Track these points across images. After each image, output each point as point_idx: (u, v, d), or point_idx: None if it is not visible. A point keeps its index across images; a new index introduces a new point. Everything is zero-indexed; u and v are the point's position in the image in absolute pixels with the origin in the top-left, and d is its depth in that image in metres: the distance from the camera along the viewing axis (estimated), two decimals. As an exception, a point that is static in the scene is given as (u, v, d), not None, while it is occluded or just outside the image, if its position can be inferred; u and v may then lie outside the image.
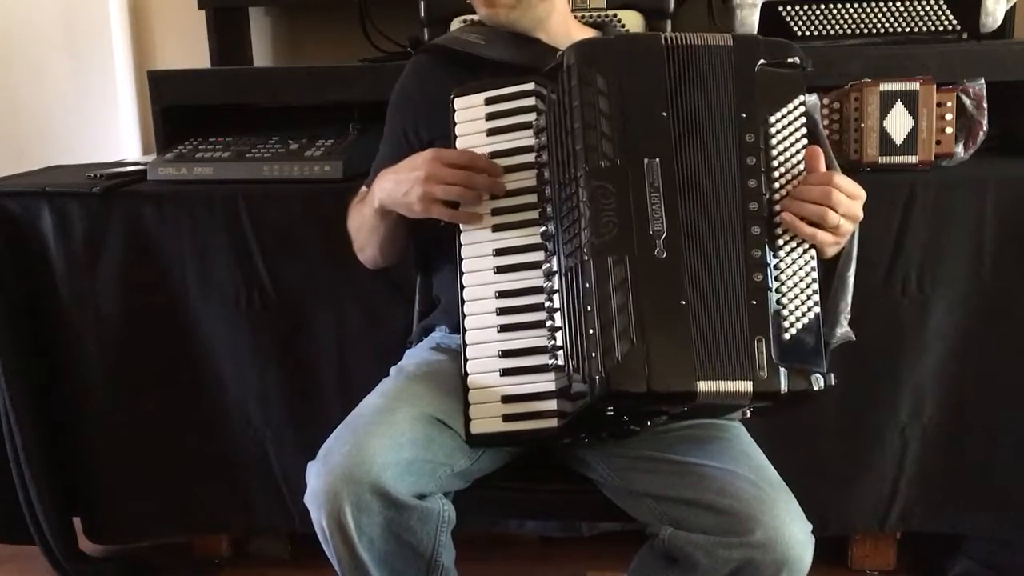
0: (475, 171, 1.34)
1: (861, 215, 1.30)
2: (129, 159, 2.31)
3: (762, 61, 1.30)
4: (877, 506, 1.92)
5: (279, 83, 2.09)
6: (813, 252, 1.28)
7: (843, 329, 1.38)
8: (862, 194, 1.29)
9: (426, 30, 1.99)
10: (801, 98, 1.31)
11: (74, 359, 1.98)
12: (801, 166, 1.29)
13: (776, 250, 1.26)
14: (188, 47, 2.42)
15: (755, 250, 1.25)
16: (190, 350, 1.96)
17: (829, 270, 1.35)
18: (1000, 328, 1.82)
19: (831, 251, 1.31)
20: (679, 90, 1.28)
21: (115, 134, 2.53)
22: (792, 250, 1.27)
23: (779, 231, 1.26)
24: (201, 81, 2.11)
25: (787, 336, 1.24)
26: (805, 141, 1.30)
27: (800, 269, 1.27)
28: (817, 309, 1.26)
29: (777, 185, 1.27)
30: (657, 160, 1.25)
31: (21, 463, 1.95)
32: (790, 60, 1.31)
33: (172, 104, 2.08)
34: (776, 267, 1.25)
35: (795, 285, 1.26)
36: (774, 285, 1.25)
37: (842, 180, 1.27)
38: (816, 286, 1.27)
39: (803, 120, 1.30)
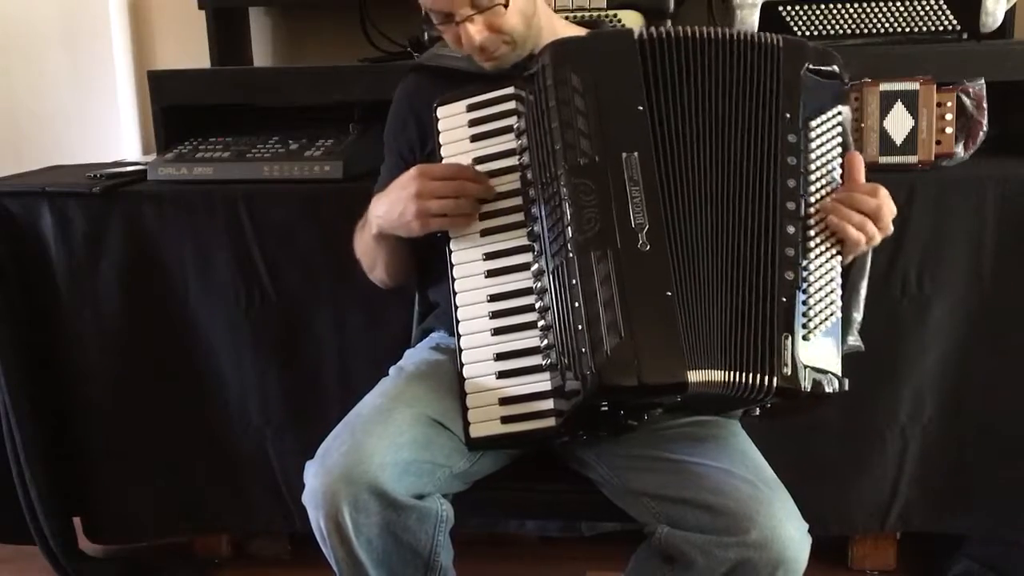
0: (463, 180, 1.34)
1: (891, 229, 1.31)
2: (129, 159, 2.31)
3: (808, 66, 1.31)
4: (877, 506, 1.92)
5: (279, 83, 2.09)
6: (839, 258, 1.29)
7: (853, 338, 1.39)
8: (895, 210, 1.31)
9: (426, 30, 1.98)
10: (840, 107, 1.32)
11: (74, 359, 1.98)
12: (835, 173, 1.30)
13: (807, 252, 1.26)
14: (188, 47, 2.42)
15: (788, 248, 1.25)
16: (190, 350, 1.96)
17: (843, 280, 1.36)
18: (1000, 328, 1.81)
19: (853, 256, 1.32)
20: (667, 84, 1.28)
21: (115, 134, 2.53)
22: (821, 254, 1.28)
23: (811, 233, 1.27)
24: (201, 81, 2.11)
25: (810, 337, 1.24)
26: (840, 150, 1.31)
27: (826, 273, 1.28)
28: (839, 313, 1.28)
29: (813, 188, 1.28)
30: (636, 154, 1.25)
31: (21, 463, 1.95)
32: (830, 69, 1.32)
33: (172, 104, 2.08)
34: (805, 268, 1.26)
35: (820, 288, 1.27)
36: (802, 285, 1.25)
37: (886, 193, 1.29)
38: (840, 291, 1.28)
39: (840, 129, 1.32)
